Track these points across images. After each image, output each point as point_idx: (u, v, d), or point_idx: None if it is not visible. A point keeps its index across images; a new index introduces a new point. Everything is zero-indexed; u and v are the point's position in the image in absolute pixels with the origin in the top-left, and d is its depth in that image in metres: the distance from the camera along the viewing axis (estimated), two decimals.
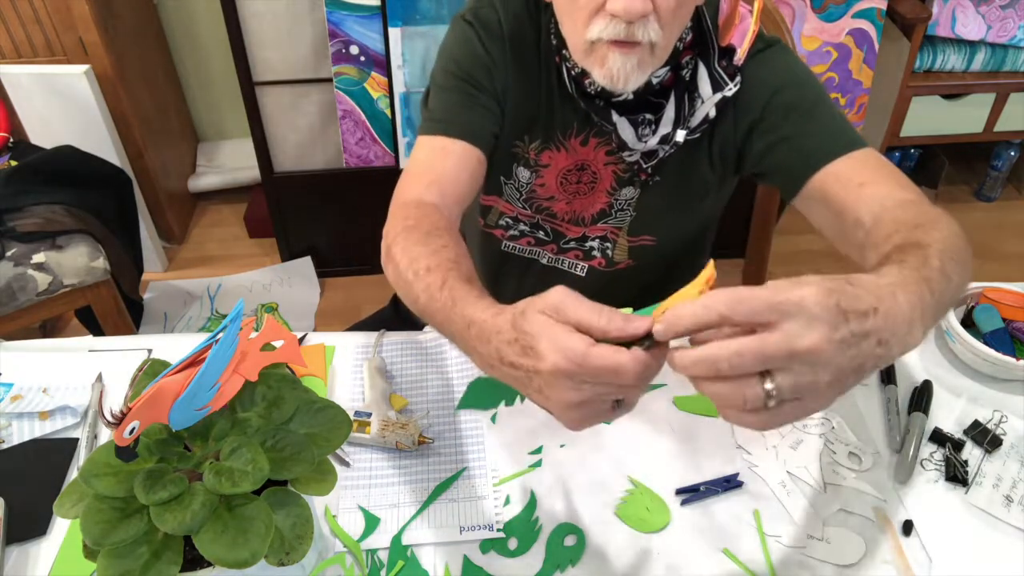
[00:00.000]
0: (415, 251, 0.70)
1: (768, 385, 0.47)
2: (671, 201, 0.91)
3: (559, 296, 0.52)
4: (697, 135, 0.86)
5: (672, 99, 0.84)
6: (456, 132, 0.84)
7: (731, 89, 0.83)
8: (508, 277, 1.04)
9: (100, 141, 1.93)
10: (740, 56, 0.83)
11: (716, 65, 0.83)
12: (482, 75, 0.86)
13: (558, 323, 0.51)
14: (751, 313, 0.47)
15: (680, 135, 0.84)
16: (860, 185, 0.75)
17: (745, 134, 0.86)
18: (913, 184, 0.76)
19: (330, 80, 1.84)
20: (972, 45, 2.03)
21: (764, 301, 0.46)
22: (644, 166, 0.88)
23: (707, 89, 0.83)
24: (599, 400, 0.52)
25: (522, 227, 0.97)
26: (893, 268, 0.56)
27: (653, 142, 0.85)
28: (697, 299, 0.48)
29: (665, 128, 0.85)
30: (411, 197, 0.80)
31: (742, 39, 0.82)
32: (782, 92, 0.83)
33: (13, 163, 1.55)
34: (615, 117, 0.84)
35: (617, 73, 0.76)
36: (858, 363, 0.48)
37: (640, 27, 0.73)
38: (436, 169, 0.83)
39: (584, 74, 0.81)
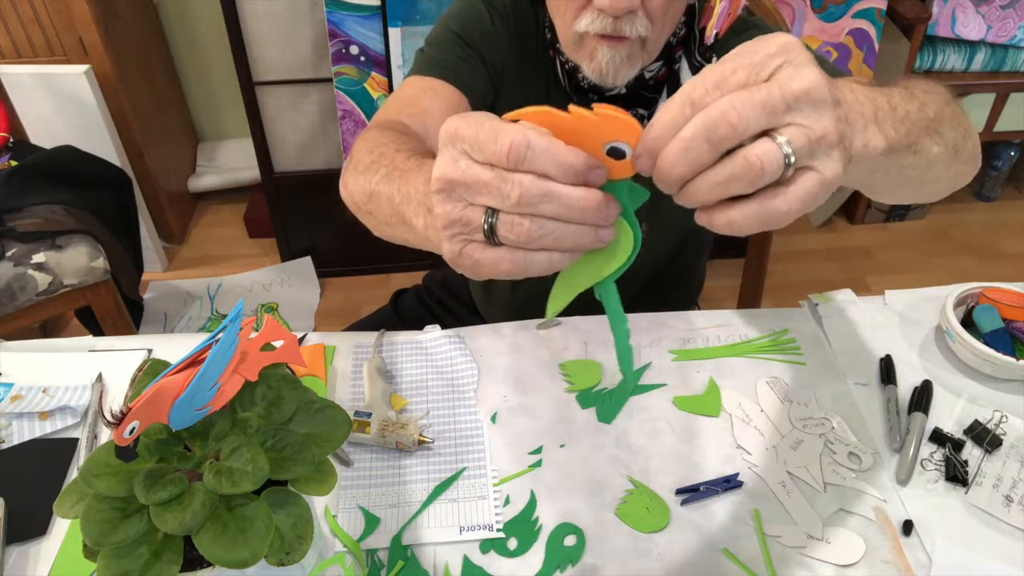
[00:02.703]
0: (380, 140, 0.66)
1: (780, 139, 0.39)
2: (664, 192, 0.91)
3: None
4: None
5: (664, 93, 0.85)
6: (451, 78, 0.81)
7: None
8: None
9: (100, 141, 1.93)
10: (708, 34, 0.81)
11: (696, 53, 0.83)
12: (483, 44, 0.85)
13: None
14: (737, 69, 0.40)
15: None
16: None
17: None
18: None
19: (330, 80, 1.84)
20: (972, 45, 2.04)
21: (745, 59, 0.40)
22: None
23: (688, 77, 0.84)
24: (469, 193, 0.42)
25: None
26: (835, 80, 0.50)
27: None
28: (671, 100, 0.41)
29: None
30: (390, 119, 0.75)
31: (719, 20, 0.81)
32: None
33: (13, 163, 1.55)
34: None
35: (606, 67, 0.77)
36: (842, 125, 0.42)
37: (627, 22, 0.73)
38: (421, 105, 0.79)
39: (577, 68, 0.82)
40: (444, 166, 0.43)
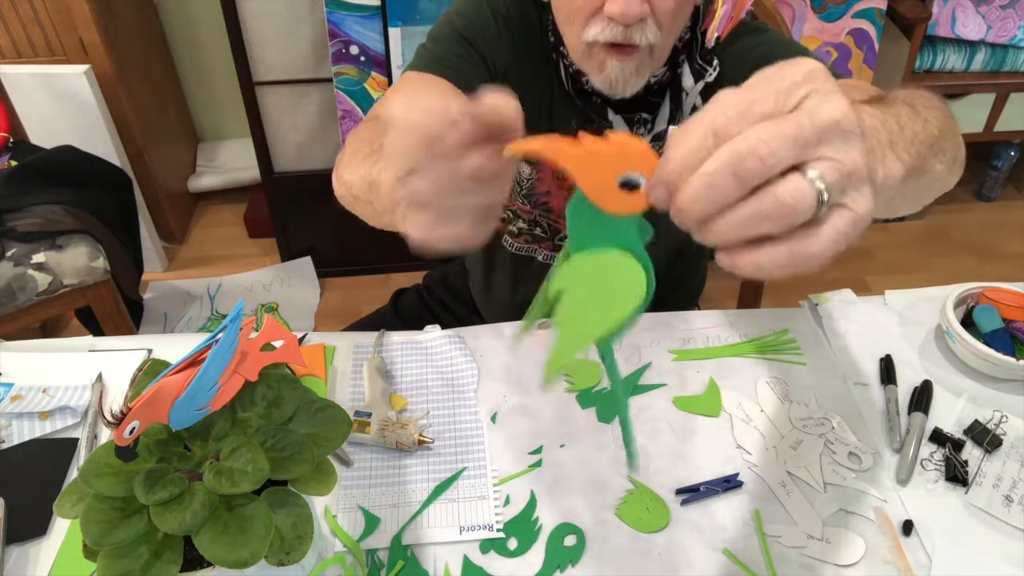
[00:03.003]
0: (379, 131, 0.64)
1: (812, 173, 0.36)
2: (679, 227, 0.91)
3: None
4: None
5: (667, 97, 0.84)
6: (451, 76, 0.80)
7: (711, 74, 0.82)
8: (504, 275, 1.04)
9: (100, 141, 1.93)
10: (709, 37, 0.81)
11: (697, 56, 0.83)
12: (485, 45, 0.85)
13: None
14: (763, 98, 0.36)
15: (672, 132, 0.84)
16: None
17: None
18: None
19: (330, 80, 1.84)
20: (972, 45, 2.04)
21: (770, 86, 0.37)
22: None
23: (689, 82, 0.83)
24: (424, 173, 0.41)
25: (520, 224, 0.97)
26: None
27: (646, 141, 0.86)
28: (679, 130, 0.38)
29: (660, 126, 0.85)
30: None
31: (721, 24, 0.81)
32: (753, 56, 0.82)
33: (13, 163, 1.55)
34: (611, 115, 0.84)
35: (615, 79, 0.76)
36: (869, 157, 0.39)
37: (638, 30, 0.73)
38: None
39: (581, 72, 0.81)
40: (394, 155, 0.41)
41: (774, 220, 0.36)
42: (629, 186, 0.39)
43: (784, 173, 0.36)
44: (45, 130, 1.84)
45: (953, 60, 2.05)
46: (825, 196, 0.36)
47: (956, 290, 0.88)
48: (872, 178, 0.39)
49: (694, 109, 0.84)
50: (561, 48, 0.83)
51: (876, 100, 0.55)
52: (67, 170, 1.58)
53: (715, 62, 0.82)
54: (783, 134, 0.35)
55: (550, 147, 0.39)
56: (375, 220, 0.65)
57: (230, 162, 2.43)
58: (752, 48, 0.82)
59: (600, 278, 0.43)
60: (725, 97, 0.37)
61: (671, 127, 0.84)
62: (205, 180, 2.40)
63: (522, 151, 0.39)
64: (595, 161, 0.39)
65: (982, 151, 2.42)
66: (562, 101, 0.88)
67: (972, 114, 2.15)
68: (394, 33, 1.74)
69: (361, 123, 0.73)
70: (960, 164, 0.64)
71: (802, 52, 0.82)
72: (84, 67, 1.85)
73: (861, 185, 0.37)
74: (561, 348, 0.44)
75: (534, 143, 0.39)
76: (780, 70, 0.37)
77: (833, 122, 0.36)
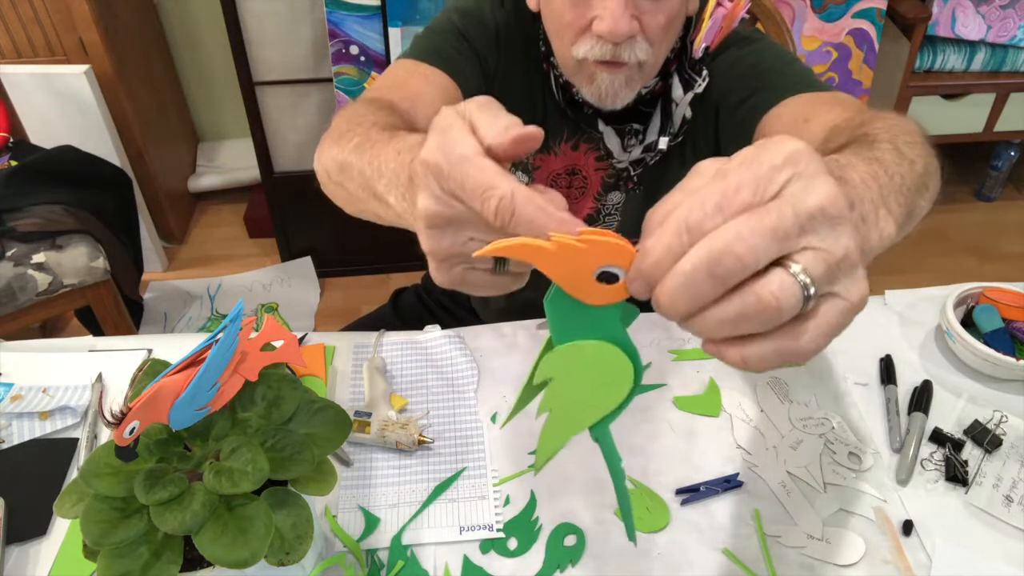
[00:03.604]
0: (360, 112, 0.62)
1: (795, 268, 0.34)
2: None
3: (481, 98, 0.42)
4: (680, 139, 0.85)
5: (659, 107, 0.84)
6: (445, 67, 0.78)
7: (700, 85, 0.81)
8: None
9: (100, 141, 1.93)
10: (696, 48, 0.80)
11: (686, 67, 0.83)
12: (483, 45, 0.84)
13: (460, 117, 0.41)
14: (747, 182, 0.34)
15: (663, 142, 0.84)
16: (806, 121, 0.67)
17: (714, 124, 0.85)
18: (868, 108, 0.66)
19: (330, 80, 1.84)
20: (972, 45, 2.04)
21: (748, 173, 0.34)
22: (632, 173, 0.88)
23: (679, 92, 0.83)
24: (461, 230, 0.41)
25: None
26: (835, 156, 0.47)
27: (637, 152, 0.85)
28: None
29: (651, 137, 0.84)
30: (377, 97, 0.72)
31: (709, 34, 0.81)
32: (742, 67, 0.81)
33: (13, 163, 1.56)
34: (602, 127, 0.84)
35: (605, 92, 0.76)
36: (860, 235, 0.37)
37: (627, 48, 0.72)
38: (413, 88, 0.76)
39: (572, 83, 0.81)
40: (430, 205, 0.40)
41: (757, 321, 0.34)
42: (607, 278, 0.38)
43: (767, 268, 0.34)
44: (45, 130, 1.84)
45: (953, 60, 2.05)
46: (811, 290, 0.34)
47: (956, 290, 0.88)
48: (866, 256, 0.37)
49: (683, 120, 0.83)
50: (552, 59, 0.83)
51: (859, 139, 0.53)
52: (67, 170, 1.58)
53: (704, 73, 0.82)
54: (762, 228, 0.33)
55: (524, 249, 0.38)
56: (349, 204, 0.62)
57: (230, 162, 2.43)
58: (741, 59, 0.82)
59: (586, 369, 0.42)
60: (700, 186, 0.35)
61: (663, 139, 0.83)
62: (205, 180, 2.40)
63: (495, 251, 0.38)
64: (571, 258, 0.38)
65: (982, 151, 2.42)
66: (554, 111, 0.87)
67: (972, 114, 2.16)
68: (394, 33, 1.74)
69: (349, 104, 0.70)
70: (936, 192, 0.62)
71: (793, 61, 0.82)
72: (84, 67, 1.85)
73: (852, 271, 0.35)
74: (551, 437, 0.44)
75: (508, 244, 0.38)
76: (759, 152, 0.35)
77: (818, 209, 0.33)
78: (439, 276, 0.42)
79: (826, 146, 0.58)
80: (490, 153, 0.39)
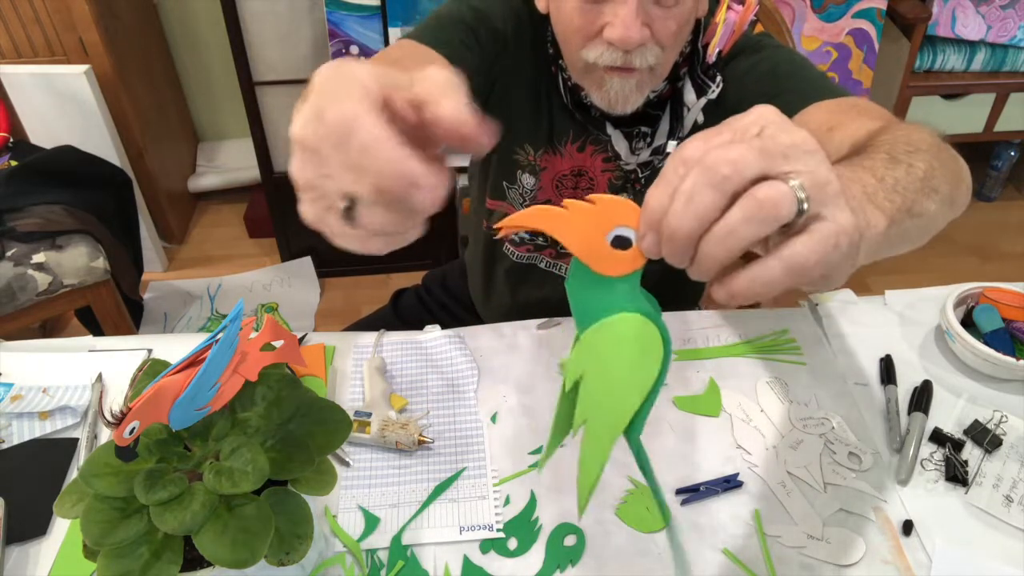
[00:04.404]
0: None
1: (793, 182, 0.37)
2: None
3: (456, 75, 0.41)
4: None
5: (668, 111, 0.84)
6: (447, 54, 0.76)
7: (714, 91, 0.81)
8: (504, 281, 1.04)
9: (100, 141, 1.93)
10: (711, 53, 0.80)
11: (699, 71, 0.83)
12: (490, 42, 0.82)
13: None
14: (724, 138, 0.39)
15: (671, 146, 0.84)
16: (829, 130, 0.68)
17: None
18: (891, 115, 0.68)
19: None
20: (972, 45, 2.04)
21: (728, 128, 0.39)
22: (640, 175, 0.88)
23: (692, 97, 0.83)
24: (322, 162, 0.37)
25: (523, 234, 0.97)
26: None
27: (645, 154, 0.85)
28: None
29: (659, 140, 0.84)
30: None
31: (722, 39, 0.81)
32: (756, 74, 0.81)
33: (13, 163, 1.56)
34: (610, 130, 0.84)
35: (615, 97, 0.76)
36: (840, 183, 0.39)
37: (638, 55, 0.72)
38: (408, 68, 0.75)
39: (580, 86, 0.81)
40: (302, 125, 0.37)
41: (759, 221, 0.36)
42: (621, 243, 0.40)
43: (759, 182, 0.37)
44: (45, 130, 1.84)
45: (953, 60, 2.05)
46: (805, 204, 0.37)
47: (956, 290, 0.88)
48: (851, 205, 0.39)
49: (695, 125, 0.84)
50: (560, 61, 0.83)
51: (860, 150, 0.54)
52: (67, 170, 1.58)
53: (719, 79, 0.81)
54: (749, 147, 0.37)
55: (538, 217, 0.40)
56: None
57: (230, 162, 2.44)
58: (754, 66, 0.82)
59: (615, 348, 0.42)
60: (688, 141, 0.39)
61: (671, 142, 0.83)
62: (205, 180, 2.40)
63: (513, 227, 0.40)
64: (583, 222, 0.40)
65: (982, 151, 2.42)
66: (561, 113, 0.87)
67: (972, 114, 2.16)
68: (394, 33, 1.74)
69: None
70: (966, 198, 0.62)
71: (805, 64, 0.81)
72: (84, 67, 1.85)
73: (837, 198, 0.38)
74: (592, 454, 0.43)
75: (523, 217, 0.40)
76: (733, 118, 0.40)
77: (793, 144, 0.37)
78: (303, 208, 0.40)
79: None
80: (387, 103, 0.38)
